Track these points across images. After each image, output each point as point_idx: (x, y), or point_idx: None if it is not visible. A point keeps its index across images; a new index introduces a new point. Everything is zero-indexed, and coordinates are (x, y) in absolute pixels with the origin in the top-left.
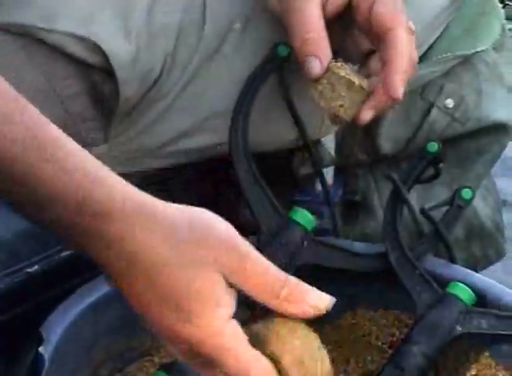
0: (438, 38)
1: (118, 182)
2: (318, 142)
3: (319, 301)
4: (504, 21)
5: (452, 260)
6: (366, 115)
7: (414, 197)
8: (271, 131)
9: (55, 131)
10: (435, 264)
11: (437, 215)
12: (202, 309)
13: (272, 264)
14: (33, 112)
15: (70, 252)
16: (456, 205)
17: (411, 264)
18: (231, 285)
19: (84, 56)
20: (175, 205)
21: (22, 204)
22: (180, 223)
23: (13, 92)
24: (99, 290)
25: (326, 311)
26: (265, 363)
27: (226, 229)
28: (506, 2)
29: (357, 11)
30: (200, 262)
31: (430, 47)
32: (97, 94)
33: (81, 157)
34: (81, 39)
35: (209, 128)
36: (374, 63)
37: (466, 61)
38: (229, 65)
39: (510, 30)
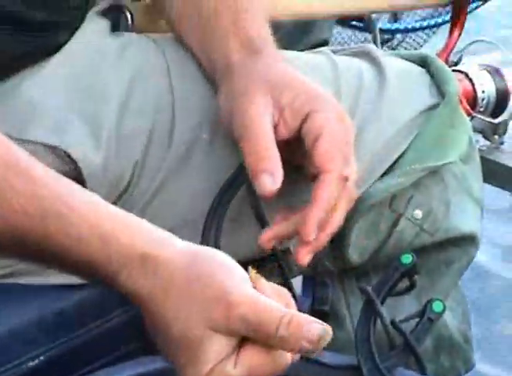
0: (406, 149)
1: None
2: (286, 251)
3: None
4: (471, 133)
5: (423, 372)
6: (304, 258)
7: (384, 308)
8: (240, 240)
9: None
10: None
11: (407, 325)
12: (191, 365)
13: (262, 303)
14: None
15: (37, 362)
16: (427, 318)
17: None
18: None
19: (55, 165)
20: (180, 247)
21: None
22: (179, 276)
23: None
24: None
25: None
26: None
27: (220, 276)
28: (474, 115)
29: (305, 139)
30: (188, 319)
31: (399, 157)
32: None
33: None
34: (53, 148)
35: (178, 237)
36: None
37: (435, 173)
38: (198, 175)
39: (477, 141)
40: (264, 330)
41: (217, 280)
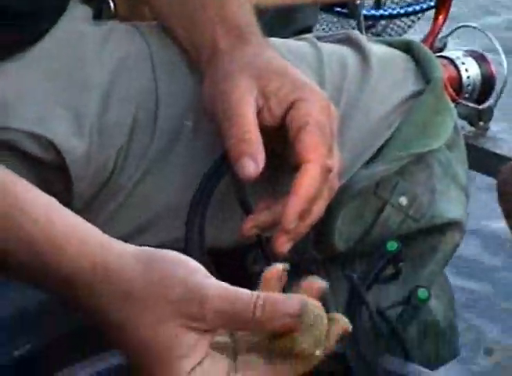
0: (391, 136)
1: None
2: (271, 238)
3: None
4: (457, 119)
5: (408, 359)
6: (283, 246)
7: (369, 296)
8: (225, 228)
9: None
10: (392, 363)
11: (392, 313)
12: (164, 368)
13: (233, 292)
14: None
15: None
16: (412, 305)
17: (368, 364)
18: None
19: (39, 154)
20: (131, 252)
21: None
22: (136, 280)
23: None
24: None
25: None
26: None
27: (184, 274)
28: (459, 101)
29: (289, 128)
30: (158, 320)
31: (384, 145)
32: (49, 192)
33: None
34: (37, 137)
35: (163, 225)
36: None
37: (420, 159)
38: (182, 162)
39: (462, 128)
40: (240, 318)
41: (180, 278)
